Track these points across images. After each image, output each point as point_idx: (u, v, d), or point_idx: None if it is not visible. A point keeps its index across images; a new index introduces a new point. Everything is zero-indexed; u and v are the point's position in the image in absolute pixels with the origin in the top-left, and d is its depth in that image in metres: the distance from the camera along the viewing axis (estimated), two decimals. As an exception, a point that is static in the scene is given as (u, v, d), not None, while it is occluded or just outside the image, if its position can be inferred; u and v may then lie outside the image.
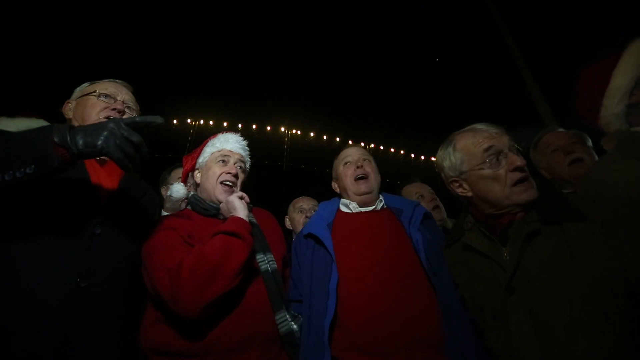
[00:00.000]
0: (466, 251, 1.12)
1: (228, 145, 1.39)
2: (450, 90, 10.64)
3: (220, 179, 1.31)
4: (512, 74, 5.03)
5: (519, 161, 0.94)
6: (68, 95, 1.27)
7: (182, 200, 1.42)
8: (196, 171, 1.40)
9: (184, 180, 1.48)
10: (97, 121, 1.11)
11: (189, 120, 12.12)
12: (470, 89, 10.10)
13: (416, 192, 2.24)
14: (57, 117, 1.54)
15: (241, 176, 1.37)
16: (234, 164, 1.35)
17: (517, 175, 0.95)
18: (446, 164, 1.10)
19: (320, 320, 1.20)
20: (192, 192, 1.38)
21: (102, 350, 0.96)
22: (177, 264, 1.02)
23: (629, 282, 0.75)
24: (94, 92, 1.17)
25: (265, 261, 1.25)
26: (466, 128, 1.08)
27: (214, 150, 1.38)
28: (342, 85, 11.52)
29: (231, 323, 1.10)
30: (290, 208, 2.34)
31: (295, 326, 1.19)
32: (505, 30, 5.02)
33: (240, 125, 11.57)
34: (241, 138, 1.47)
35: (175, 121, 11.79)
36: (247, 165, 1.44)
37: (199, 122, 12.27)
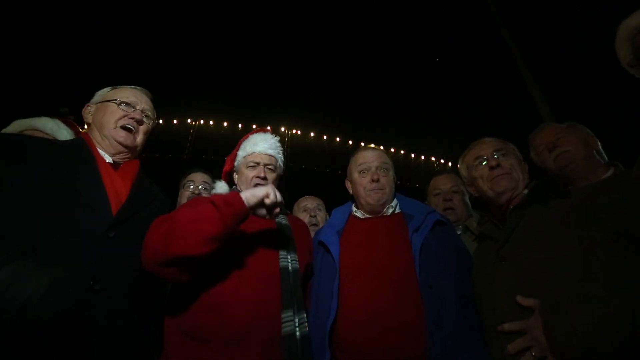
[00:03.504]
0: (481, 242, 1.30)
1: (257, 148, 1.47)
2: (451, 90, 10.65)
3: (252, 182, 1.41)
4: (512, 74, 5.04)
5: (492, 162, 1.25)
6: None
7: None
8: (234, 173, 1.54)
9: (225, 179, 1.60)
10: (114, 129, 1.16)
11: (189, 120, 12.14)
12: (471, 88, 10.11)
13: (435, 188, 2.05)
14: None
15: (271, 176, 1.45)
16: (263, 166, 1.44)
17: (494, 172, 1.23)
18: (461, 173, 1.43)
19: (323, 320, 1.24)
20: (234, 186, 1.52)
21: (113, 352, 0.96)
22: (167, 217, 1.07)
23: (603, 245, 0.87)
24: (115, 99, 1.20)
25: (288, 259, 1.26)
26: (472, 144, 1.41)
27: (245, 154, 1.48)
28: (342, 85, 11.54)
29: (234, 311, 1.12)
30: (295, 208, 2.35)
31: (298, 331, 1.15)
32: (505, 30, 5.03)
33: (240, 125, 11.58)
34: (270, 136, 1.54)
35: (175, 121, 11.81)
36: (280, 163, 1.53)
37: (199, 122, 12.29)
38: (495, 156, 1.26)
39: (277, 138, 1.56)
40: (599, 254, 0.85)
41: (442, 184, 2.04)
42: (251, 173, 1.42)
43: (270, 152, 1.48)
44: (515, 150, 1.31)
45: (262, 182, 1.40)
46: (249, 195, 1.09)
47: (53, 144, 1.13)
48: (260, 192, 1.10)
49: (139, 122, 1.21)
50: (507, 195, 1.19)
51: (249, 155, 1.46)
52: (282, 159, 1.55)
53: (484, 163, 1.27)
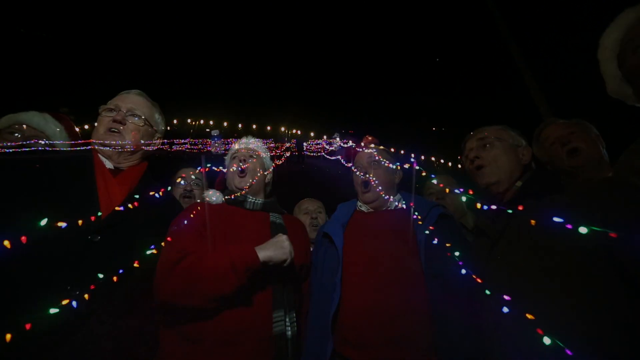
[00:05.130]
0: (478, 236, 1.29)
1: (238, 146, 1.65)
2: (451, 90, 10.66)
3: (233, 172, 1.54)
4: (512, 74, 5.05)
5: (471, 155, 1.22)
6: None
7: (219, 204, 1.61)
8: (226, 173, 1.66)
9: (221, 186, 1.72)
10: (103, 134, 1.22)
11: (189, 120, 12.15)
12: (470, 88, 10.13)
13: (429, 189, 2.12)
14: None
15: (251, 165, 1.55)
16: (241, 157, 1.57)
17: (472, 165, 1.23)
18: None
19: (325, 311, 1.25)
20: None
21: (90, 356, 0.94)
22: (178, 258, 1.12)
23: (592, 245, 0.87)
24: (101, 111, 1.29)
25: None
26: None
27: (231, 153, 1.66)
28: (342, 85, 11.55)
29: (227, 312, 1.13)
30: (296, 210, 2.38)
31: (289, 331, 1.18)
32: (505, 30, 5.03)
33: (240, 125, 11.59)
34: (251, 137, 1.70)
35: (175, 121, 11.82)
36: (263, 156, 1.65)
37: (199, 122, 12.29)
38: (474, 149, 1.23)
39: (271, 140, 1.69)
40: (589, 280, 0.84)
41: (432, 186, 2.09)
42: (233, 163, 1.55)
43: (250, 145, 1.63)
44: (505, 138, 1.22)
45: (241, 174, 1.51)
46: (267, 257, 1.16)
47: (54, 160, 1.16)
48: (279, 257, 1.18)
49: (122, 123, 1.25)
50: (495, 188, 1.17)
51: (233, 153, 1.62)
52: (267, 154, 1.68)
53: (468, 157, 1.26)
